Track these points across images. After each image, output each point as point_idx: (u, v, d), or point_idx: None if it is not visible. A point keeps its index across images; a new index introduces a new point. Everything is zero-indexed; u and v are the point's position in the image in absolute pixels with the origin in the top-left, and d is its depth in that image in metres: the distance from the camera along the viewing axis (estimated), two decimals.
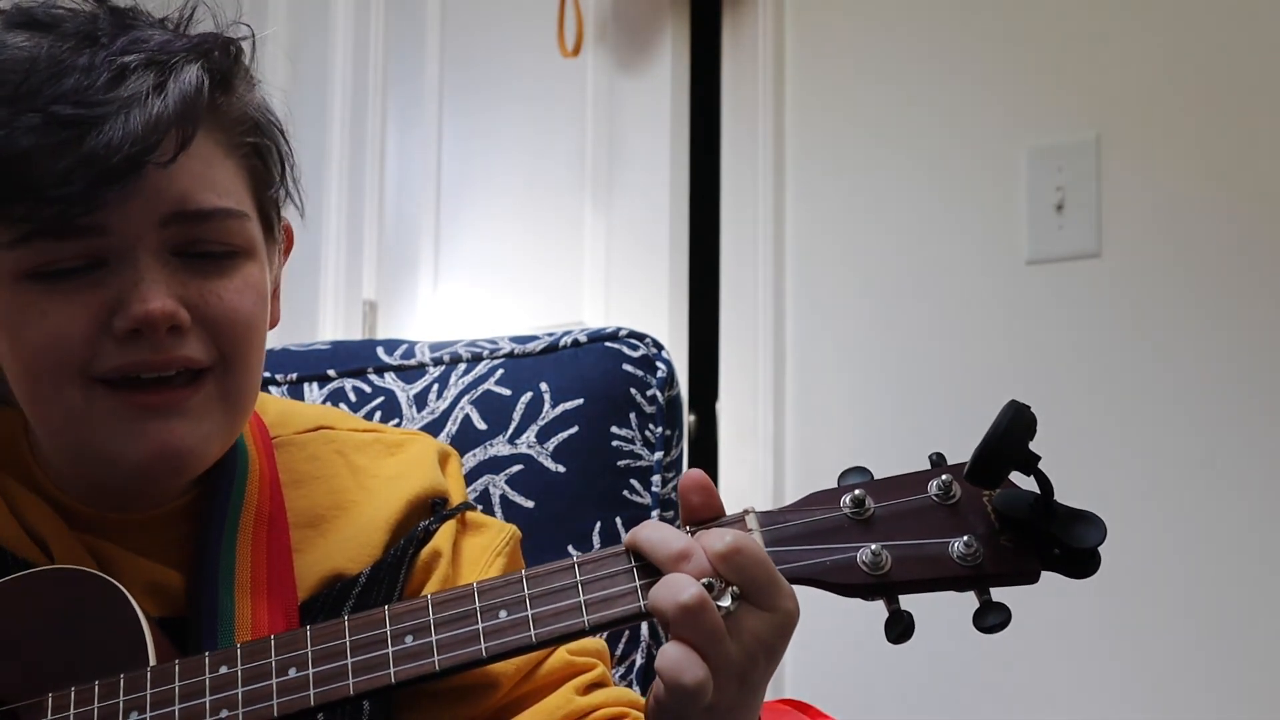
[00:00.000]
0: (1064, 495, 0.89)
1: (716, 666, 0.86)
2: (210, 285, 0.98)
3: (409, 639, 0.90)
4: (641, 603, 0.89)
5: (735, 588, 0.87)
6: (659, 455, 1.35)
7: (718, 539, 0.88)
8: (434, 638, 0.89)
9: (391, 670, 0.89)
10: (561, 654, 1.08)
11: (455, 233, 2.92)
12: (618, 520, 1.32)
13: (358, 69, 3.04)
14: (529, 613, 0.90)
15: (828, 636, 2.21)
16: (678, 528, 0.91)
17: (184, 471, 1.00)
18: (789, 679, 2.32)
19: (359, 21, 3.06)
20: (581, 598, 0.90)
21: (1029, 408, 0.87)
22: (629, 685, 1.30)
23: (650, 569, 0.89)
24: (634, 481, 1.34)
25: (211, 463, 1.02)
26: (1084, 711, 2.13)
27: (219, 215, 0.98)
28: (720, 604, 0.86)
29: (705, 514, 0.92)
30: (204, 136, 0.97)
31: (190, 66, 0.95)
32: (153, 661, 0.92)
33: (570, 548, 1.30)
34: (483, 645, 0.89)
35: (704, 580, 0.86)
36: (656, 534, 0.90)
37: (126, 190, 0.92)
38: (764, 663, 0.88)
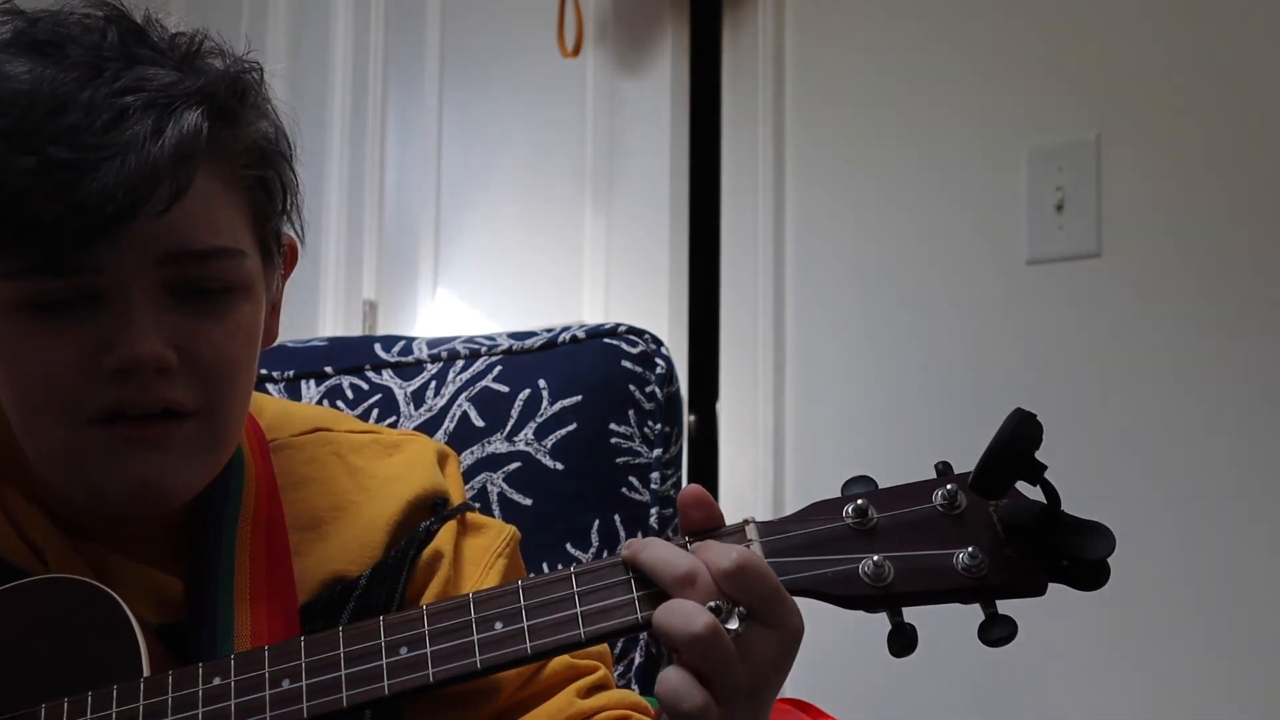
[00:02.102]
0: (1062, 494, 0.88)
1: (726, 692, 0.85)
2: (202, 328, 0.97)
3: (404, 650, 0.89)
4: (639, 614, 0.88)
5: (742, 608, 0.85)
6: (658, 452, 1.35)
7: (722, 556, 0.86)
8: (429, 649, 0.89)
9: (386, 682, 0.88)
10: (563, 657, 1.07)
11: (455, 232, 2.92)
12: (616, 518, 1.32)
13: (358, 69, 3.04)
14: (525, 624, 0.89)
15: (829, 636, 2.20)
16: (678, 542, 0.90)
17: (167, 504, 1.00)
18: (789, 679, 2.31)
19: (359, 21, 3.05)
20: (578, 609, 0.89)
21: (1035, 416, 0.86)
22: (627, 684, 1.30)
23: (649, 580, 0.88)
24: (633, 479, 1.33)
25: (196, 494, 1.02)
26: (1091, 716, 2.12)
27: (216, 254, 0.97)
28: (728, 627, 0.85)
29: (705, 526, 0.91)
30: (204, 173, 0.95)
31: (190, 112, 0.93)
32: (146, 671, 0.92)
33: (569, 545, 1.30)
34: (478, 657, 0.88)
35: (711, 604, 0.85)
36: (658, 554, 0.88)
37: (120, 235, 0.92)
38: (774, 681, 0.88)
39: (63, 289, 0.94)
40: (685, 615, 0.85)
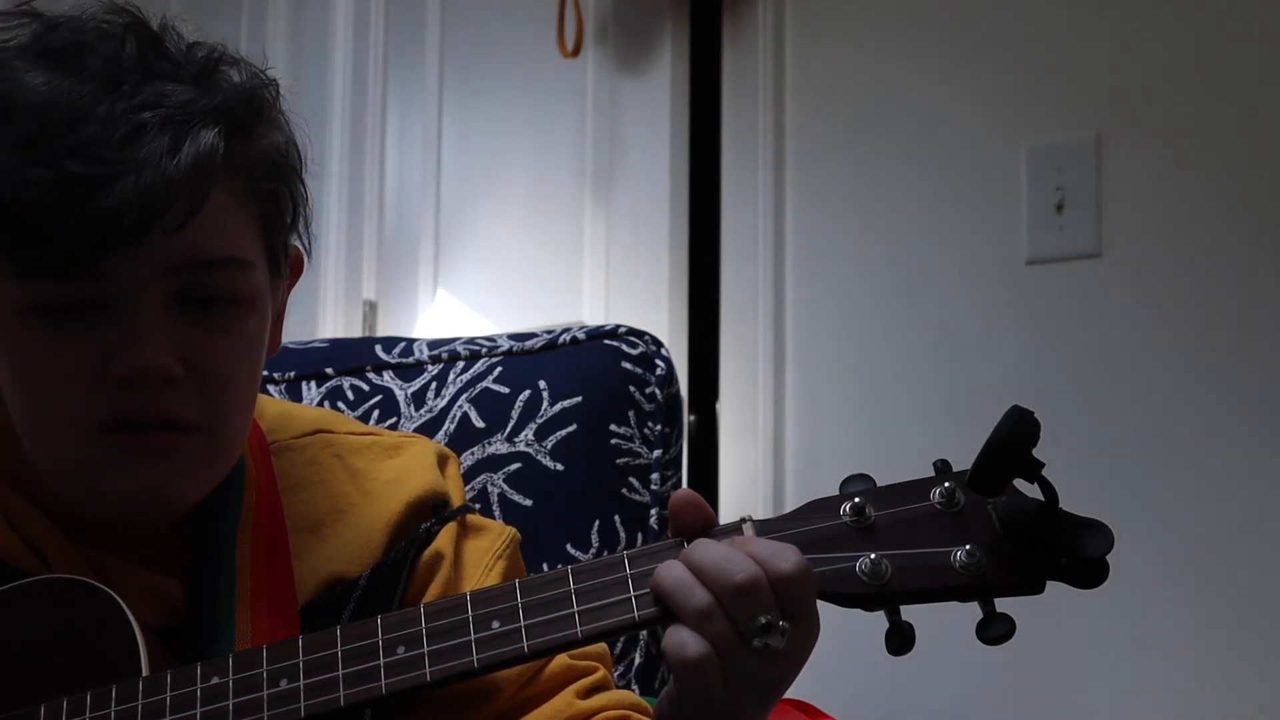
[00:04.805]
0: (1062, 495, 0.87)
1: (739, 683, 0.86)
2: (209, 341, 0.97)
3: (401, 649, 0.89)
4: (636, 613, 0.88)
5: (785, 623, 0.85)
6: (658, 453, 1.35)
7: (782, 559, 0.86)
8: (426, 649, 0.89)
9: (383, 682, 0.88)
10: (562, 658, 1.08)
11: (455, 233, 2.92)
12: (616, 519, 1.32)
13: (358, 69, 3.04)
14: (522, 623, 0.89)
15: (828, 636, 2.20)
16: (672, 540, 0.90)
17: (170, 512, 1.00)
18: None
19: (359, 21, 3.05)
20: (575, 608, 0.89)
21: (1032, 413, 0.85)
22: (627, 685, 1.30)
23: (645, 577, 0.88)
24: (633, 479, 1.34)
25: (198, 501, 1.02)
26: (1088, 715, 2.12)
27: (226, 264, 0.97)
28: (770, 644, 0.85)
29: (700, 529, 0.91)
30: (218, 187, 0.95)
31: (207, 131, 0.93)
32: (146, 671, 0.92)
33: (569, 546, 1.30)
34: (475, 656, 0.88)
35: (763, 619, 0.85)
36: (710, 557, 0.87)
37: (132, 248, 0.92)
38: (792, 675, 0.89)
39: (72, 295, 0.94)
40: (684, 645, 0.85)
